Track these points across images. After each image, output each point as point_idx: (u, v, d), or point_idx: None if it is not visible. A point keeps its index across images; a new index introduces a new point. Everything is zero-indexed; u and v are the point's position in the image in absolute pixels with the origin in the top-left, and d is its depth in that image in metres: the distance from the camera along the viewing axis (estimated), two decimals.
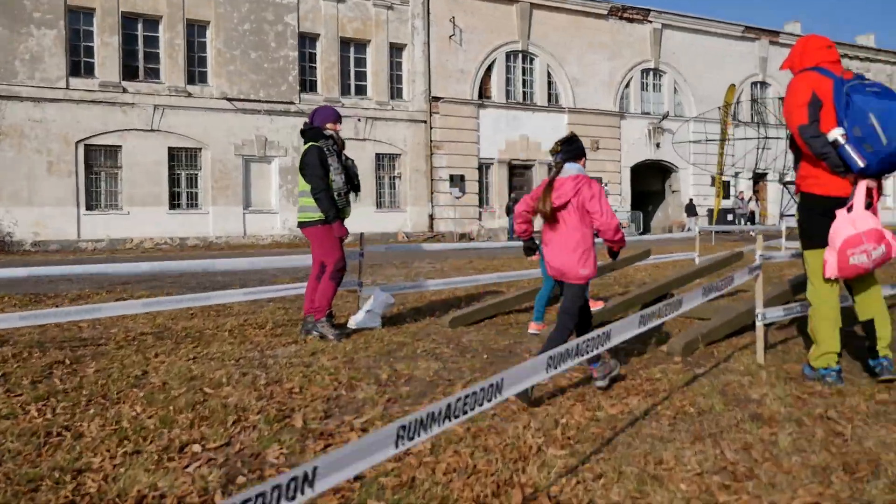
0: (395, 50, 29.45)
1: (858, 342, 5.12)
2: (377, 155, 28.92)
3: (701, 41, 36.41)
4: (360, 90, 28.89)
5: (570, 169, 4.28)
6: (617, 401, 4.01)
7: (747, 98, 37.61)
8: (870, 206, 4.00)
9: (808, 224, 4.25)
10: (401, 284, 7.49)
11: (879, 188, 4.08)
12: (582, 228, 4.20)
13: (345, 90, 28.46)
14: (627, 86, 34.63)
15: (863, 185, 3.99)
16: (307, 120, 6.27)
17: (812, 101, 4.03)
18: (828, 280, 4.17)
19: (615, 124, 33.88)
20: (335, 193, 5.95)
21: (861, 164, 3.88)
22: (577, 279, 4.21)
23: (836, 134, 3.94)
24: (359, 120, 28.02)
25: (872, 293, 4.25)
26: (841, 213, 4.02)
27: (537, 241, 4.64)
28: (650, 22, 34.70)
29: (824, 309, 4.20)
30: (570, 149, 4.37)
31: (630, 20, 34.26)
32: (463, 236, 29.77)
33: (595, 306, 6.82)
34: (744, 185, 36.14)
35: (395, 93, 29.56)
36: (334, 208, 5.89)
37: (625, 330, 3.06)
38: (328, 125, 6.16)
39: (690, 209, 32.55)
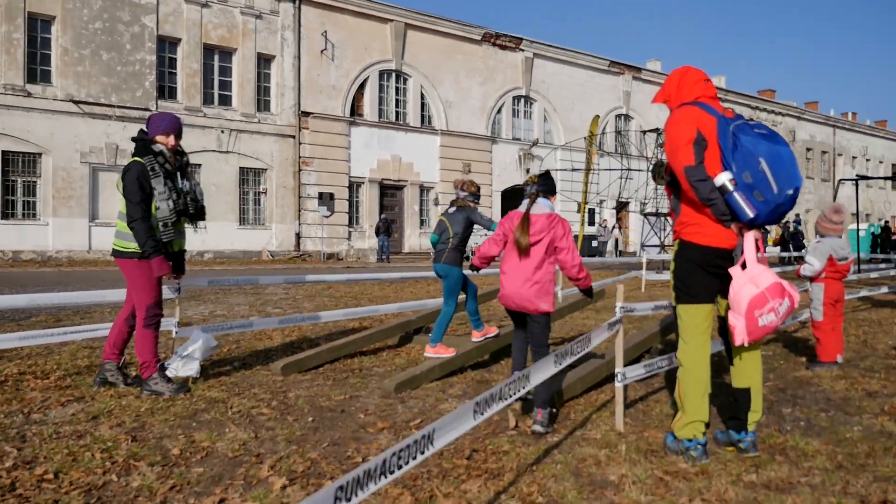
0: (264, 61, 28.20)
1: (719, 401, 4.74)
2: (241, 169, 27.51)
3: (569, 72, 37.40)
4: (225, 100, 27.40)
5: (544, 206, 4.47)
6: (454, 487, 3.33)
7: (612, 129, 38.91)
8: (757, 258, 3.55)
9: (686, 276, 3.70)
10: (227, 324, 6.50)
11: (764, 238, 3.64)
12: (545, 264, 4.39)
13: (207, 99, 26.91)
14: (499, 111, 34.97)
15: (751, 237, 3.54)
16: (143, 127, 5.15)
17: (697, 140, 3.54)
18: (702, 338, 3.70)
19: (487, 148, 34.05)
20: (160, 223, 4.91)
21: (751, 213, 3.42)
22: (537, 312, 4.38)
23: (724, 178, 3.46)
24: (222, 132, 26.54)
25: (753, 359, 3.79)
26: (736, 272, 3.54)
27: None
28: (522, 50, 35.26)
29: (696, 371, 3.69)
30: (546, 183, 4.56)
31: (503, 47, 34.66)
32: (331, 256, 28.75)
33: (489, 332, 6.39)
34: (607, 214, 37.22)
35: (263, 105, 28.28)
36: (152, 241, 4.83)
37: (454, 427, 2.37)
38: (158, 137, 5.06)
39: None
